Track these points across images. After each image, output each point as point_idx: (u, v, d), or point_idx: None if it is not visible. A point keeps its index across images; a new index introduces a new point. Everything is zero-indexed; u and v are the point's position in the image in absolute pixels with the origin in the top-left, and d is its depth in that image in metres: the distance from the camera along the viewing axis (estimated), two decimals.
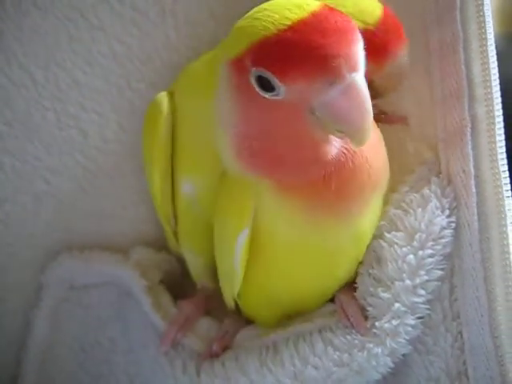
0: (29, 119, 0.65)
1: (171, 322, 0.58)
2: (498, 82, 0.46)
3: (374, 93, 0.50)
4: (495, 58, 0.46)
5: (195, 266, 0.61)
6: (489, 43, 0.46)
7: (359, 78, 0.38)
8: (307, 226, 0.45)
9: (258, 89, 0.39)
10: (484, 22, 0.46)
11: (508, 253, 0.45)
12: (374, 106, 0.38)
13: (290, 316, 0.54)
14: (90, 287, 0.67)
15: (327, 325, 0.50)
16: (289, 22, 0.37)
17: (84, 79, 0.63)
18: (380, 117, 0.52)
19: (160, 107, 0.54)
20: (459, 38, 0.47)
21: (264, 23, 0.38)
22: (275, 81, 0.38)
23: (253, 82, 0.39)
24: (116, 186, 0.66)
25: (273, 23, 0.38)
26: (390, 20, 0.47)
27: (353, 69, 0.37)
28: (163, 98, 0.54)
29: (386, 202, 0.50)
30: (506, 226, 0.45)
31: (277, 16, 0.38)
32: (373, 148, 0.44)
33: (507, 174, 0.46)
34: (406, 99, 0.53)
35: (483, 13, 0.46)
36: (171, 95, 0.55)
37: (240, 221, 0.46)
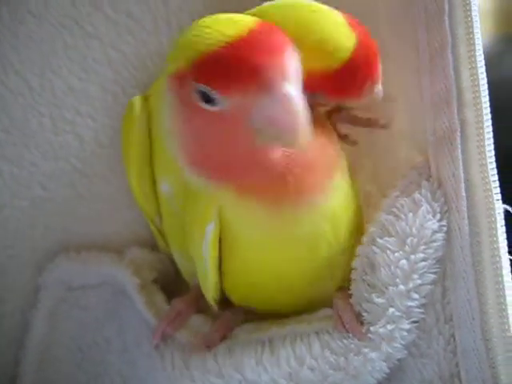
0: (26, 126, 0.65)
1: (162, 317, 0.59)
2: (486, 86, 0.46)
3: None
4: (483, 62, 0.46)
5: (184, 266, 0.62)
6: (477, 48, 0.46)
7: (290, 88, 0.40)
8: (271, 218, 0.47)
9: (199, 102, 0.41)
10: (472, 26, 0.46)
11: (498, 256, 0.45)
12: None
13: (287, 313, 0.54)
14: (88, 288, 0.67)
15: (324, 328, 0.51)
16: (227, 39, 0.40)
17: (79, 86, 0.64)
18: (359, 120, 0.53)
19: (132, 110, 0.57)
20: (447, 43, 0.47)
21: (204, 40, 0.41)
22: (215, 95, 0.40)
23: (194, 95, 0.41)
24: (111, 188, 0.67)
25: (212, 40, 0.40)
26: (362, 54, 0.46)
27: (284, 79, 0.40)
28: (136, 101, 0.57)
29: (377, 207, 0.51)
30: (496, 229, 0.46)
31: (216, 33, 0.41)
32: (321, 143, 0.47)
33: (496, 177, 0.46)
34: (396, 103, 0.53)
35: (471, 18, 0.46)
36: (146, 99, 0.57)
37: (204, 216, 0.49)
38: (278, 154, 0.43)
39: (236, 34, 0.40)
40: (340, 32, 0.46)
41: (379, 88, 0.48)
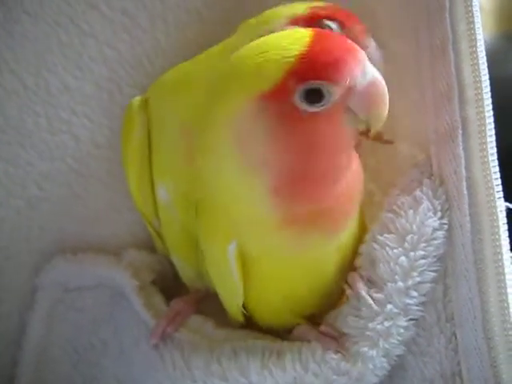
0: (21, 125, 0.65)
1: (161, 317, 0.58)
2: (488, 83, 0.46)
3: None
4: (485, 59, 0.46)
5: (184, 269, 0.61)
6: (478, 44, 0.46)
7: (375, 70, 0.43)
8: (294, 242, 0.47)
9: (305, 106, 0.41)
10: (473, 23, 0.46)
11: (500, 254, 0.45)
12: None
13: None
14: (84, 289, 0.67)
15: None
16: (307, 39, 0.41)
17: (75, 84, 0.63)
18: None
19: (131, 112, 0.56)
20: (449, 40, 0.47)
21: (283, 49, 0.41)
22: (325, 86, 0.41)
23: (298, 100, 0.41)
24: (108, 189, 0.66)
25: (291, 46, 0.41)
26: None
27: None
28: (135, 102, 0.57)
29: (379, 206, 0.51)
30: (498, 227, 0.45)
31: (287, 41, 0.42)
32: (355, 172, 0.47)
33: (498, 175, 0.46)
34: (398, 101, 0.52)
35: (472, 14, 0.46)
36: (146, 101, 0.56)
37: (226, 235, 0.48)
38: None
39: (310, 34, 0.42)
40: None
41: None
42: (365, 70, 0.42)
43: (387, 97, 0.43)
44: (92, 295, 0.66)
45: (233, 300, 0.52)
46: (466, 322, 0.47)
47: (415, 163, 0.52)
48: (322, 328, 0.50)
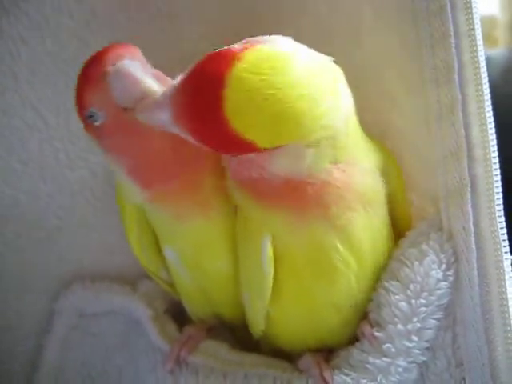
0: (42, 159, 0.67)
1: (175, 342, 0.60)
2: (495, 142, 0.48)
3: None
4: (492, 119, 0.48)
5: (192, 311, 0.63)
6: (486, 105, 0.48)
7: None
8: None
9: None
10: (481, 84, 0.47)
11: (507, 306, 0.47)
12: None
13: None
14: (100, 315, 0.70)
15: (334, 364, 0.53)
16: None
17: None
18: None
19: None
20: (458, 101, 0.48)
21: None
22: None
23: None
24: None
25: None
26: None
27: None
28: None
29: (390, 257, 0.53)
30: (504, 280, 0.47)
31: None
32: (363, 174, 0.48)
33: (505, 230, 0.48)
34: (409, 155, 0.54)
35: (480, 75, 0.47)
36: None
37: (260, 229, 0.49)
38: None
39: None
40: None
41: None
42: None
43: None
44: (107, 321, 0.69)
45: (259, 301, 0.53)
46: (475, 368, 0.49)
47: (425, 216, 0.53)
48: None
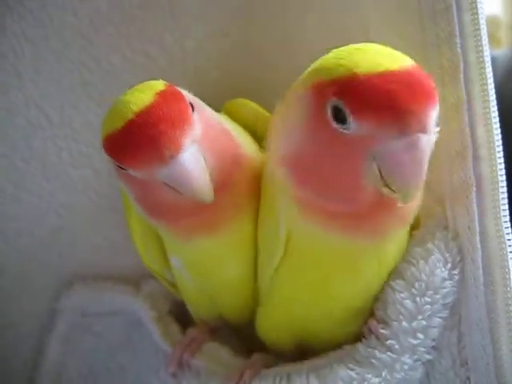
0: (45, 157, 0.67)
1: (177, 344, 0.60)
2: (500, 142, 0.48)
3: None
4: (497, 118, 0.48)
5: (196, 314, 0.63)
6: (491, 105, 0.48)
7: (425, 140, 0.39)
8: (341, 241, 0.47)
9: (330, 117, 0.41)
10: (486, 84, 0.48)
11: None
12: None
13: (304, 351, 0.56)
14: (101, 315, 0.70)
15: (339, 358, 0.53)
16: (380, 69, 0.39)
17: (97, 121, 0.64)
18: None
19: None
20: (463, 100, 0.48)
21: (353, 65, 0.40)
22: (348, 114, 0.40)
23: (328, 110, 0.41)
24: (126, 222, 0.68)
25: (362, 67, 0.39)
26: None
27: (422, 129, 0.39)
28: None
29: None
30: (509, 279, 0.48)
31: (367, 62, 0.40)
32: None
33: (510, 229, 0.48)
34: None
35: (485, 75, 0.48)
36: None
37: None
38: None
39: (390, 67, 0.39)
40: None
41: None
42: (405, 132, 0.39)
43: (421, 171, 0.40)
44: (110, 321, 0.69)
45: (269, 262, 0.52)
46: (480, 367, 0.50)
47: (431, 215, 0.53)
48: None
